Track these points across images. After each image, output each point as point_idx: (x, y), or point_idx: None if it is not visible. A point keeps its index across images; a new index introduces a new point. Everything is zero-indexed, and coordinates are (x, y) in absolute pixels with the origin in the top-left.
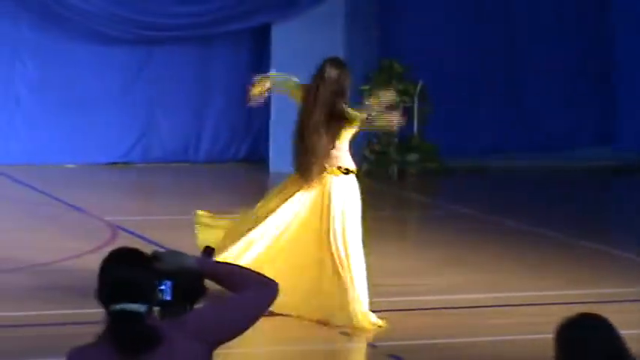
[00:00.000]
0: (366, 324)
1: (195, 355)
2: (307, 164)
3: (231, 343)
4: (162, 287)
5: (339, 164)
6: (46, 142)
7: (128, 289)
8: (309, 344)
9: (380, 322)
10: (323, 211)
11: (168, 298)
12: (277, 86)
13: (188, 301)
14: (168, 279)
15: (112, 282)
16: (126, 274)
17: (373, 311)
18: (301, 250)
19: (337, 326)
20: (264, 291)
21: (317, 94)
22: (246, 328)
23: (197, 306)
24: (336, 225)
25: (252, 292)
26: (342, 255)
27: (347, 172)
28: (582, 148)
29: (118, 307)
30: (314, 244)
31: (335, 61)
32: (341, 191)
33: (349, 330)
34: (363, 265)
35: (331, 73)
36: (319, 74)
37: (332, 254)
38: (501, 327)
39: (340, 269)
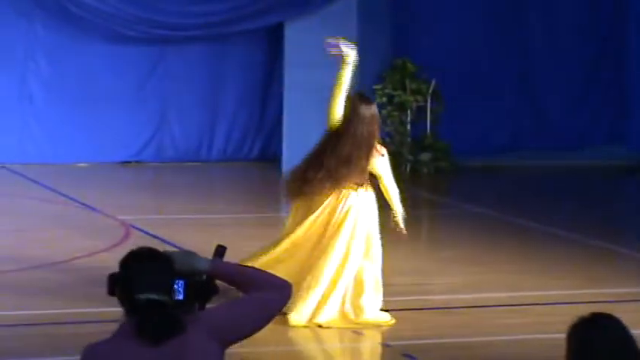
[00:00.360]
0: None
1: (207, 352)
2: (321, 187)
3: (240, 342)
4: (175, 286)
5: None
6: (60, 140)
7: (152, 280)
8: (321, 343)
9: (388, 322)
10: (333, 222)
11: (181, 297)
12: (341, 81)
13: (200, 300)
14: (181, 279)
15: (136, 274)
16: (148, 268)
17: (386, 310)
18: (300, 253)
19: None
20: (277, 292)
21: (350, 128)
22: (259, 328)
23: (209, 305)
24: (344, 234)
25: (265, 293)
26: (341, 257)
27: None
28: (595, 147)
29: (144, 296)
30: (312, 246)
31: (365, 99)
32: (356, 205)
33: (361, 328)
34: (374, 266)
35: (365, 111)
36: (352, 110)
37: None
38: (515, 326)
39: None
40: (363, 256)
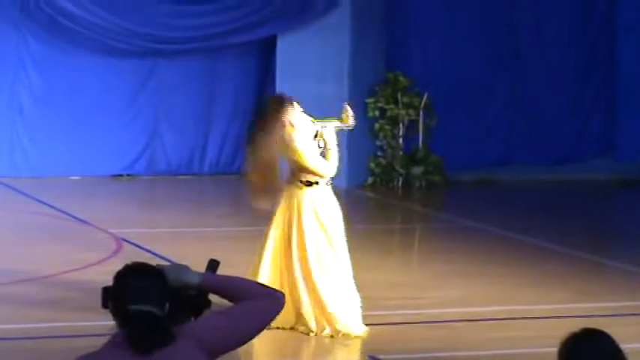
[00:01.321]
0: (333, 330)
1: None
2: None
3: (226, 356)
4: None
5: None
6: (51, 153)
7: (144, 293)
8: (305, 357)
9: (360, 334)
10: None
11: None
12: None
13: (192, 314)
14: (172, 293)
15: (129, 286)
16: (141, 282)
17: (377, 324)
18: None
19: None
20: (268, 302)
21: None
22: (250, 338)
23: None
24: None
25: (257, 303)
26: (304, 263)
27: (309, 184)
28: (585, 161)
29: (136, 307)
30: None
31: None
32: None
33: (332, 333)
34: (343, 274)
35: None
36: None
37: (294, 261)
38: (506, 340)
39: (302, 275)
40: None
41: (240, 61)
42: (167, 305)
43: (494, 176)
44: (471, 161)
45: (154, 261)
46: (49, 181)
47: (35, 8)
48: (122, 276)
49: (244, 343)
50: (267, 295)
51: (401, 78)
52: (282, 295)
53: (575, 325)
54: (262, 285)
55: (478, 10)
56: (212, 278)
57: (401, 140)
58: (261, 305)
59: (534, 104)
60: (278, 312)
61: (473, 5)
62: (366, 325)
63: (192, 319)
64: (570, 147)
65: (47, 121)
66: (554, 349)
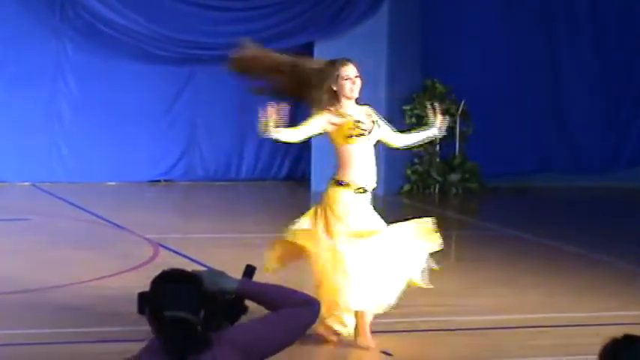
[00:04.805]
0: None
1: None
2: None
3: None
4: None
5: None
6: (88, 159)
7: (180, 299)
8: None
9: (342, 331)
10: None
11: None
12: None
13: (228, 320)
14: (208, 299)
15: (165, 292)
16: (178, 288)
17: (410, 331)
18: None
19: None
20: (305, 309)
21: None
22: (286, 345)
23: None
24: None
25: (294, 311)
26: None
27: (340, 183)
28: (623, 169)
29: (171, 314)
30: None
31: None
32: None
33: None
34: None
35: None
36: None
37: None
38: (543, 348)
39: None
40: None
41: None
42: (202, 311)
43: (530, 184)
44: (507, 168)
45: (190, 266)
46: (87, 187)
47: (74, 16)
48: (158, 282)
49: (280, 351)
50: (304, 302)
51: (438, 85)
52: (318, 302)
53: (611, 333)
54: (299, 292)
55: (514, 17)
56: (249, 284)
57: (438, 147)
58: (298, 313)
59: (571, 112)
60: (314, 320)
61: (509, 13)
62: (398, 332)
63: (229, 324)
64: (607, 155)
65: (85, 127)
66: (589, 357)
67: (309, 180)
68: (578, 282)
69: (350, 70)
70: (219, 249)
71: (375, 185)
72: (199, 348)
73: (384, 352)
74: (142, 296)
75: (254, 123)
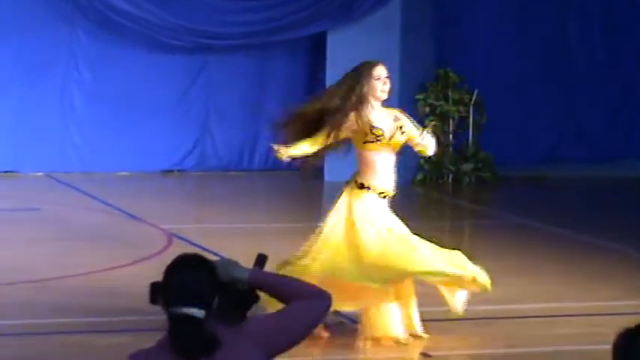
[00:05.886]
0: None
1: None
2: None
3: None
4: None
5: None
6: (101, 149)
7: (190, 293)
8: (355, 351)
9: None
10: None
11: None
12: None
13: (240, 309)
14: (221, 288)
15: (174, 285)
16: (189, 278)
17: (426, 320)
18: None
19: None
20: (317, 301)
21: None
22: (302, 338)
23: (250, 314)
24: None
25: (306, 303)
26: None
27: (362, 186)
28: (636, 159)
29: (179, 310)
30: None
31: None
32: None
33: (402, 340)
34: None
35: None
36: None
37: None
38: (557, 337)
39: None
40: None
41: (290, 56)
42: (216, 300)
43: (544, 173)
44: (520, 158)
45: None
46: (100, 177)
47: (87, 5)
48: (172, 271)
49: (298, 343)
50: (316, 294)
51: (451, 74)
52: (329, 295)
53: (625, 323)
54: (310, 285)
55: (528, 7)
56: (261, 274)
57: (451, 137)
58: (311, 306)
59: (583, 101)
60: (326, 313)
61: (521, 2)
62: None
63: (241, 314)
64: (619, 144)
65: (98, 116)
66: (604, 347)
67: (322, 170)
68: (591, 271)
69: (382, 70)
70: (233, 239)
71: (393, 192)
72: (207, 348)
73: (396, 342)
74: (153, 286)
75: (267, 112)
